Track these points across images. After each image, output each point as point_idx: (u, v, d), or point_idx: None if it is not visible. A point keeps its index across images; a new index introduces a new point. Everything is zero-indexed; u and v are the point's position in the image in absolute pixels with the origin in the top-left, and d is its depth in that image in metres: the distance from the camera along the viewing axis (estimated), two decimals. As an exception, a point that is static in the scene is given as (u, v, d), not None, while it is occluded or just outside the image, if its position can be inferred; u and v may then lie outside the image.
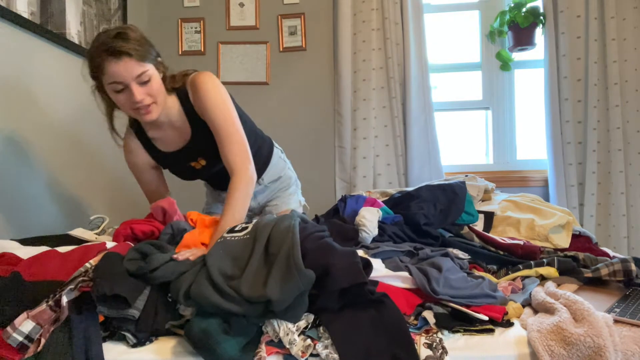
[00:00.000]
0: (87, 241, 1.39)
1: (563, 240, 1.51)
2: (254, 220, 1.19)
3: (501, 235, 1.55)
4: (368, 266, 1.02)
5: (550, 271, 1.20)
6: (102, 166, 2.31)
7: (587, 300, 0.96)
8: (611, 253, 1.43)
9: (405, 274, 1.08)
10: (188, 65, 2.79)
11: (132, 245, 1.14)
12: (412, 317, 0.98)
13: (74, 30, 2.06)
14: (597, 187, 2.55)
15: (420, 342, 0.90)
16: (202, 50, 2.83)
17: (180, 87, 1.51)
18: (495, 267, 1.34)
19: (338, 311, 0.95)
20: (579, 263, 1.27)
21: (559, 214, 1.61)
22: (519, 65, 2.79)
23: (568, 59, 2.58)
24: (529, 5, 2.58)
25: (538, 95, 2.75)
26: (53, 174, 1.92)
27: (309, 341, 0.90)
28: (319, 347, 0.89)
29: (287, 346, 0.89)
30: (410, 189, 1.81)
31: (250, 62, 2.79)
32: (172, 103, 1.51)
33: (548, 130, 2.60)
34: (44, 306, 0.91)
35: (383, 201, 1.71)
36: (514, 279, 1.21)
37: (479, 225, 1.62)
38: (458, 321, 0.97)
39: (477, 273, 1.23)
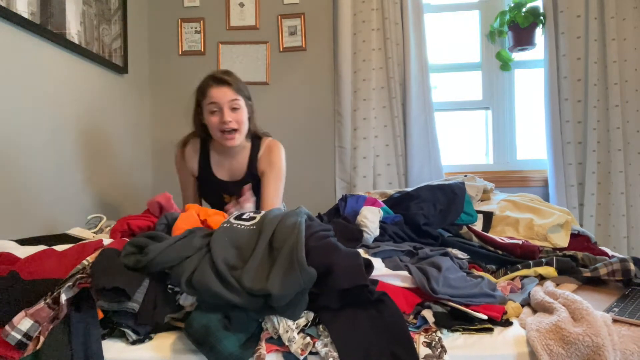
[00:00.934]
0: (85, 240, 1.39)
1: (562, 240, 1.51)
2: (262, 212, 1.19)
3: (500, 235, 1.55)
4: (369, 266, 1.02)
5: (549, 271, 1.20)
6: (102, 166, 2.31)
7: (586, 300, 0.96)
8: (610, 252, 1.43)
9: (405, 273, 1.08)
10: (188, 65, 2.82)
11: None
12: (412, 316, 0.98)
13: (74, 30, 2.06)
14: (597, 187, 2.55)
15: (420, 340, 0.90)
16: (202, 50, 2.83)
17: (255, 139, 1.89)
18: (494, 266, 1.34)
19: (338, 310, 0.95)
20: (577, 262, 1.27)
21: (558, 213, 1.61)
22: (519, 65, 2.79)
23: (568, 59, 2.58)
24: (529, 5, 2.58)
25: (538, 95, 2.75)
26: (52, 173, 1.92)
27: (308, 339, 0.90)
28: (319, 345, 0.89)
29: (287, 344, 0.89)
30: (409, 189, 1.81)
31: (250, 62, 2.79)
32: (245, 145, 1.88)
33: (548, 130, 2.60)
34: (42, 304, 0.91)
35: (382, 201, 1.71)
36: (512, 279, 1.21)
37: (478, 225, 1.62)
38: (457, 320, 0.97)
39: (476, 273, 1.23)
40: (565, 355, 0.85)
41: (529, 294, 1.08)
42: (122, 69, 2.49)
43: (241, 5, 2.82)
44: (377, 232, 1.37)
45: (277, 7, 2.80)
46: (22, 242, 1.34)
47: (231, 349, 0.86)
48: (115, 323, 0.95)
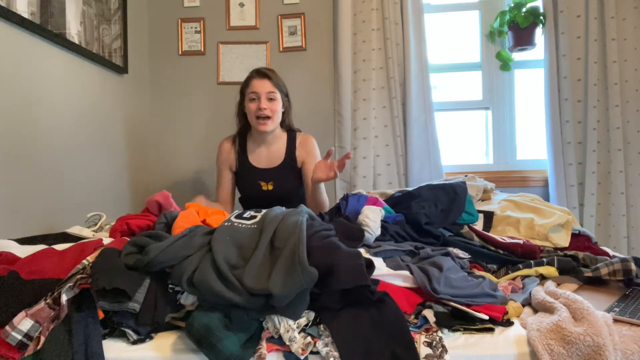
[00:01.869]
0: (85, 238, 1.39)
1: (563, 240, 1.51)
2: (263, 211, 1.19)
3: (501, 234, 1.55)
4: (370, 266, 1.02)
5: (550, 270, 1.20)
6: (101, 165, 2.30)
7: (587, 300, 0.96)
8: (611, 252, 1.43)
9: (406, 273, 1.08)
10: (188, 65, 2.82)
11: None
12: (413, 316, 0.98)
13: (74, 30, 2.05)
14: (597, 187, 2.55)
15: (420, 340, 0.90)
16: (202, 50, 2.83)
17: (290, 131, 2.14)
18: (495, 266, 1.34)
19: (339, 309, 0.95)
20: (579, 262, 1.27)
21: (559, 213, 1.60)
22: (519, 65, 2.79)
23: (568, 59, 2.58)
24: (529, 5, 2.58)
25: (538, 95, 2.76)
26: (52, 173, 1.92)
27: (309, 339, 0.90)
28: (319, 344, 0.89)
29: (288, 343, 0.89)
30: (410, 188, 1.81)
31: (250, 62, 2.79)
32: (281, 135, 2.13)
33: (548, 130, 2.60)
34: (42, 304, 0.91)
35: (383, 201, 1.70)
36: (513, 279, 1.21)
37: (478, 225, 1.62)
38: (458, 320, 0.97)
39: (477, 273, 1.23)
40: (566, 355, 0.85)
41: (530, 293, 1.08)
42: (122, 69, 2.48)
43: (241, 5, 2.82)
44: (378, 232, 1.36)
45: (277, 7, 2.81)
46: (22, 241, 1.33)
47: (232, 349, 0.86)
48: (116, 323, 0.95)
